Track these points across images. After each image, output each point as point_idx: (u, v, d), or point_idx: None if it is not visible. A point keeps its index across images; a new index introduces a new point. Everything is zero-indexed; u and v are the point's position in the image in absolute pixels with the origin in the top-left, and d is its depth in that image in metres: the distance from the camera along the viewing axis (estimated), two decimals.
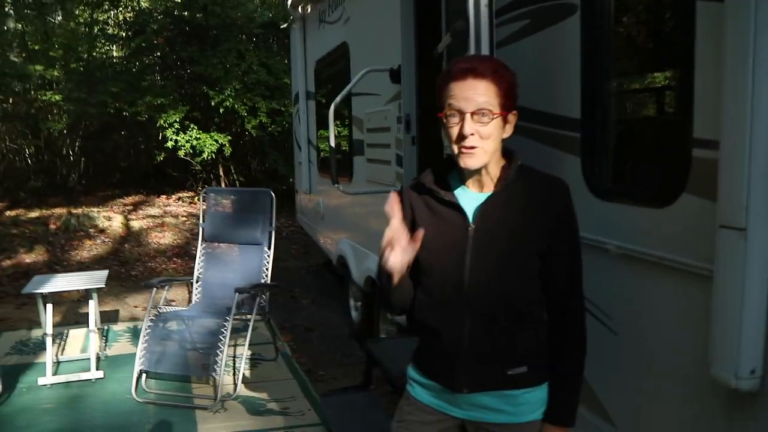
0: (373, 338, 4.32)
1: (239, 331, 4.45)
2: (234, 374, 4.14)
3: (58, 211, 9.52)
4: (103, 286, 4.35)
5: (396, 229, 1.45)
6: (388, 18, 3.89)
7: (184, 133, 10.14)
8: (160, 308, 4.31)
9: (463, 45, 2.27)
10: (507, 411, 1.60)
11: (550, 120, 2.33)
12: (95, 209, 9.85)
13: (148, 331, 3.99)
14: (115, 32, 11.99)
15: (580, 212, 1.61)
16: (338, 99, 3.81)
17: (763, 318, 1.51)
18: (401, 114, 3.72)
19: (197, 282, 4.65)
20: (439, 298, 1.60)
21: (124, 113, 10.54)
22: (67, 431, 3.49)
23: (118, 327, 5.38)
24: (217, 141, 10.19)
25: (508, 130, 1.55)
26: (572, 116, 2.19)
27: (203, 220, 4.76)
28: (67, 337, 5.01)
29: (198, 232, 4.80)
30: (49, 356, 4.12)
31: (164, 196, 11.37)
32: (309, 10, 6.08)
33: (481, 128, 1.48)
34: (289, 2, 6.34)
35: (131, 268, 7.68)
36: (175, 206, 10.83)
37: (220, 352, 3.82)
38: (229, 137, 10.43)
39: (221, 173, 11.40)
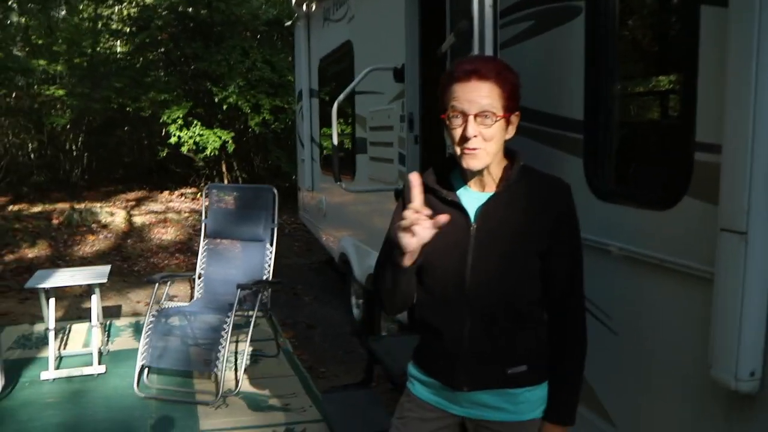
0: (374, 336, 4.32)
1: (241, 327, 4.46)
2: (235, 370, 4.15)
3: (60, 206, 9.55)
4: (106, 281, 4.37)
5: (417, 209, 1.39)
6: (392, 17, 3.90)
7: (188, 129, 10.16)
8: (162, 304, 4.33)
9: (467, 45, 2.27)
10: (507, 409, 1.61)
11: (553, 121, 2.33)
12: (98, 204, 9.87)
13: (150, 326, 4.00)
14: (119, 27, 12.00)
15: (582, 213, 1.62)
16: (342, 97, 3.82)
17: (763, 320, 1.51)
18: (404, 113, 3.73)
19: (199, 278, 4.66)
20: (440, 297, 1.61)
21: (128, 109, 10.56)
22: (69, 425, 3.50)
23: (120, 322, 5.40)
24: (220, 137, 10.20)
25: (511, 131, 1.56)
26: (575, 118, 2.20)
27: (206, 217, 4.76)
28: (69, 331, 5.03)
29: (200, 228, 4.81)
30: (51, 351, 4.13)
31: (167, 192, 11.39)
32: (313, 8, 6.09)
33: (484, 130, 1.48)
34: (294, 0, 6.35)
35: (134, 263, 7.70)
36: (178, 202, 10.85)
37: (222, 348, 3.83)
38: (233, 134, 10.44)
39: (224, 170, 11.41)
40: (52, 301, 4.14)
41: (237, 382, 3.98)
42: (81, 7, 12.02)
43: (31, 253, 7.77)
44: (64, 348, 4.65)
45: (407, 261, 1.45)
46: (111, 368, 4.25)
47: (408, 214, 1.38)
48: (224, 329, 3.88)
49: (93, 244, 8.29)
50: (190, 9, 11.12)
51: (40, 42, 11.08)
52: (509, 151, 1.60)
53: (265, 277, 4.46)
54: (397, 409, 1.78)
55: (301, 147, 6.91)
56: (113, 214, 9.32)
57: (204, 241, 4.73)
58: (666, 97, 2.27)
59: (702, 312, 1.65)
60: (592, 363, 1.67)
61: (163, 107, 10.16)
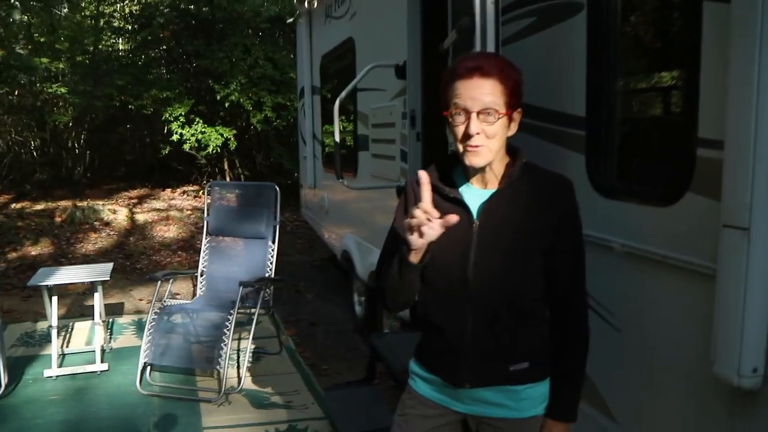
0: (376, 333, 4.33)
1: (243, 324, 4.47)
2: (238, 367, 4.16)
3: (63, 203, 9.57)
4: (108, 278, 4.37)
5: (427, 209, 1.38)
6: (394, 14, 3.89)
7: (190, 127, 10.16)
8: (164, 301, 4.34)
9: (469, 42, 2.27)
10: (509, 406, 1.61)
11: (555, 117, 2.33)
12: (100, 202, 9.89)
13: (153, 323, 4.01)
14: (121, 25, 12.02)
15: (584, 210, 1.61)
16: (344, 94, 3.82)
17: (766, 317, 1.51)
18: (406, 110, 3.73)
19: (202, 275, 4.66)
20: (442, 294, 1.61)
21: (130, 106, 10.57)
22: (72, 423, 3.51)
23: (122, 320, 5.41)
24: (222, 135, 10.20)
25: (513, 128, 1.55)
26: (577, 114, 2.20)
27: (208, 214, 4.77)
28: (72, 329, 5.04)
29: (203, 226, 4.81)
30: (54, 348, 4.15)
31: (169, 190, 11.41)
32: (315, 5, 6.08)
33: (486, 127, 1.48)
34: None
35: (136, 261, 7.72)
36: (180, 200, 10.86)
37: (224, 345, 3.84)
38: (235, 131, 10.45)
39: (226, 167, 11.42)
40: (54, 298, 4.15)
41: (239, 379, 3.99)
42: (83, 4, 12.03)
43: (34, 250, 7.79)
44: (67, 345, 4.66)
45: (414, 258, 1.46)
46: (114, 366, 4.26)
47: (417, 213, 1.37)
48: (227, 327, 3.89)
49: (95, 241, 8.31)
50: (192, 6, 11.12)
51: (42, 40, 11.07)
52: (511, 148, 1.60)
53: (267, 275, 4.47)
54: (398, 406, 1.78)
55: (303, 144, 6.91)
56: (116, 212, 9.34)
57: (206, 238, 4.74)
58: (668, 93, 2.26)
59: (704, 308, 1.64)
60: (595, 359, 1.67)
61: (165, 105, 10.17)
